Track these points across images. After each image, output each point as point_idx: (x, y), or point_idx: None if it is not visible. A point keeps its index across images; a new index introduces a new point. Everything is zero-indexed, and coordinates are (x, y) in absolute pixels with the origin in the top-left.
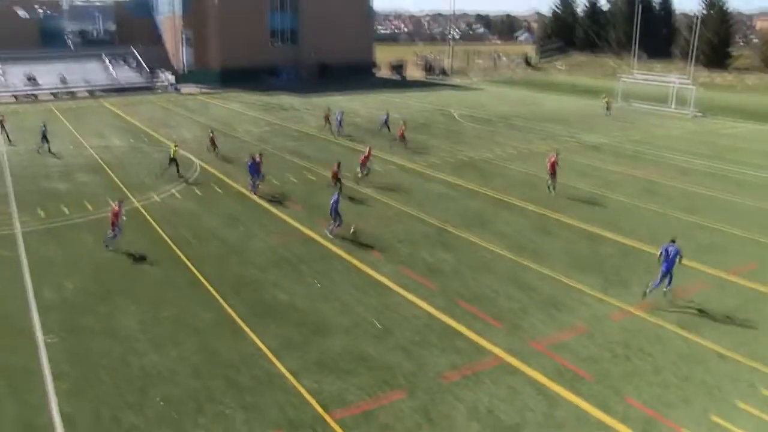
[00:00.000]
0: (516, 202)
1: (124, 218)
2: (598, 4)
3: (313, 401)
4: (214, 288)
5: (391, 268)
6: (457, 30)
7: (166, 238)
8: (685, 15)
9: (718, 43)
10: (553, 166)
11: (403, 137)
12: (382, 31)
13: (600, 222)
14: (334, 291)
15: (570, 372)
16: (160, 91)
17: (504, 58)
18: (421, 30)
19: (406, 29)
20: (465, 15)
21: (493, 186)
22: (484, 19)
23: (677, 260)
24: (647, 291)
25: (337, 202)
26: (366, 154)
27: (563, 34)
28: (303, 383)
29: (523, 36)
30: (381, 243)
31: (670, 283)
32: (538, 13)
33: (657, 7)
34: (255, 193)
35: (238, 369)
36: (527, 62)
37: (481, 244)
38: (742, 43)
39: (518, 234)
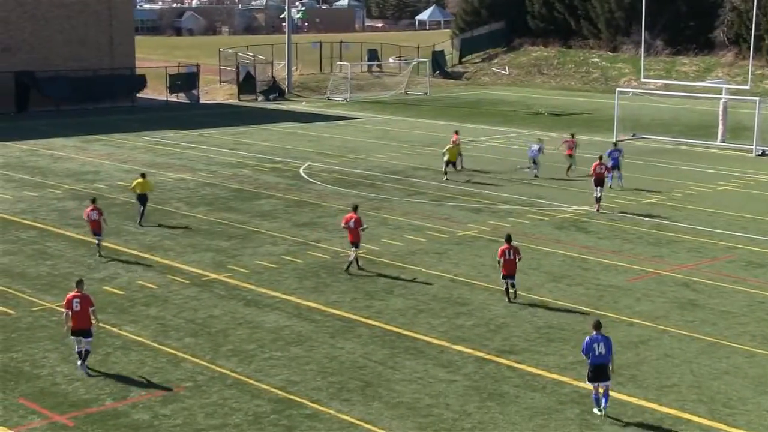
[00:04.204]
0: (432, 340)
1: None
2: None
3: None
4: None
5: None
6: (299, 5)
7: None
8: None
9: None
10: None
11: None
12: (146, 8)
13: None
14: None
15: None
16: None
17: (393, 60)
18: (228, 7)
19: (196, 1)
20: None
21: (387, 309)
22: None
23: None
24: None
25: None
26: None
27: (504, 11)
28: None
29: (427, 14)
30: None
31: None
32: None
33: None
34: None
35: None
36: (437, 65)
37: (367, 427)
38: None
39: (441, 403)
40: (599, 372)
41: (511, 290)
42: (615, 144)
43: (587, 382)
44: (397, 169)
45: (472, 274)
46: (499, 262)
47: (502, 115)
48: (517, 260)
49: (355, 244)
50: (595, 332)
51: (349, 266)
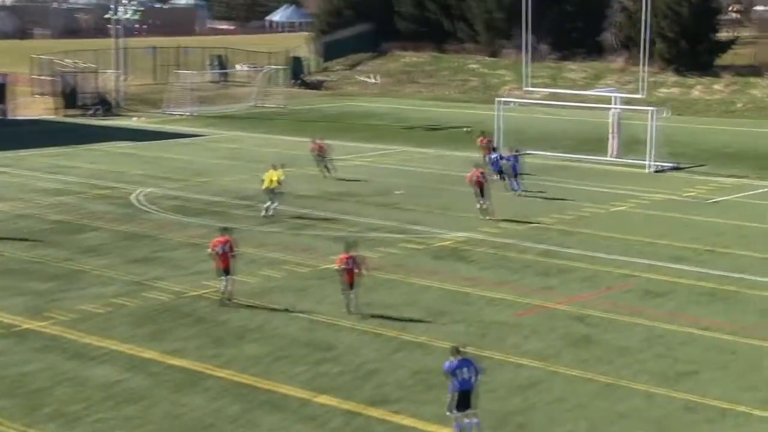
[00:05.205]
0: (293, 392)
1: None
2: None
3: None
4: None
5: None
6: (130, 3)
7: None
8: None
9: (691, 15)
10: None
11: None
12: None
13: (499, 417)
14: None
15: None
16: None
17: (242, 68)
18: (42, 6)
19: (5, 2)
20: None
21: (240, 357)
22: None
23: None
24: None
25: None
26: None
27: (371, 11)
28: None
29: (282, 14)
30: None
31: None
32: None
33: None
34: None
35: None
36: (294, 73)
37: None
38: (734, 16)
39: None
40: (466, 398)
41: (350, 301)
42: (517, 150)
43: (450, 412)
44: (248, 194)
45: (337, 313)
46: (341, 271)
47: (369, 130)
48: (357, 271)
49: (227, 271)
50: (457, 359)
51: (225, 298)
